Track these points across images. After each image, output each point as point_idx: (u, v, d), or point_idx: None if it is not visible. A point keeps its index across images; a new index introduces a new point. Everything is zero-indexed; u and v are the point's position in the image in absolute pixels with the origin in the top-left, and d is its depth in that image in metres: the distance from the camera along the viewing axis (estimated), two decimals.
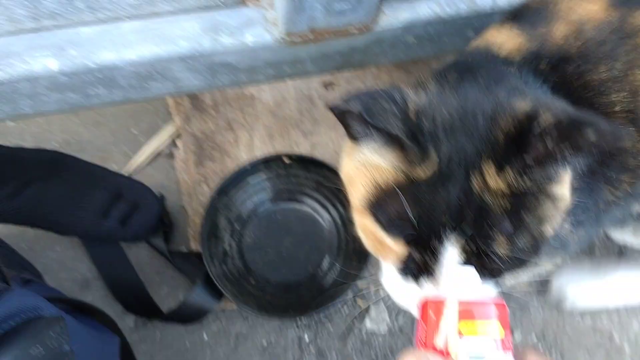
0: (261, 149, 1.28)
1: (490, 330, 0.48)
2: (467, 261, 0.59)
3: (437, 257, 0.59)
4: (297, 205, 1.24)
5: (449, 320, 0.49)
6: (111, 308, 1.17)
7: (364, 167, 0.65)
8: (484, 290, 0.57)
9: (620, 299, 1.23)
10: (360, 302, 1.23)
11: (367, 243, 0.69)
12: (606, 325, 1.24)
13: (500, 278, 0.62)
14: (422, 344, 0.50)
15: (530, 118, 0.56)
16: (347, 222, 1.23)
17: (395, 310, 1.23)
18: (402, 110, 0.58)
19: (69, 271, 1.19)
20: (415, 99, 0.61)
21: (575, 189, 0.73)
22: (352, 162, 0.67)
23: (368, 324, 1.21)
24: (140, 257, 1.21)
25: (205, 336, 1.18)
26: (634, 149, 0.74)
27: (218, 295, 1.16)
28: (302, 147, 1.29)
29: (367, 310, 1.23)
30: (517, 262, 0.60)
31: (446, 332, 0.48)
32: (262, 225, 1.23)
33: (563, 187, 0.62)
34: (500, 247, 0.57)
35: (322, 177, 1.23)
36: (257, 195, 1.23)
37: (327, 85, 1.34)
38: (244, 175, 1.21)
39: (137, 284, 1.16)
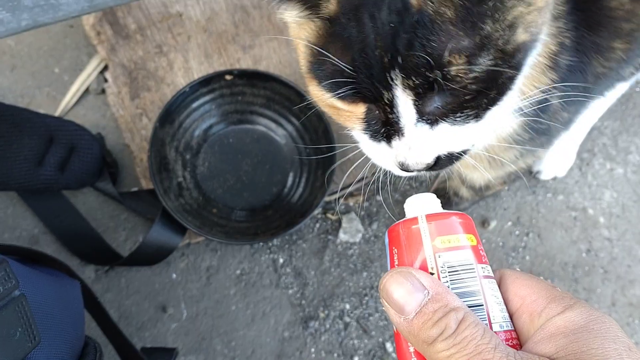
0: (199, 71, 1.18)
1: (463, 242, 0.46)
2: (423, 98, 0.52)
3: (393, 105, 0.53)
4: (249, 126, 1.16)
5: (422, 237, 0.46)
6: (67, 262, 1.08)
7: (294, 27, 0.58)
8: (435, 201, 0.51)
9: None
10: (331, 215, 1.18)
11: (327, 112, 0.62)
12: (579, 200, 1.23)
13: (481, 112, 0.55)
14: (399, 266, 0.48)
15: None
16: (305, 135, 1.15)
17: (367, 219, 1.19)
18: None
19: (13, 230, 1.09)
20: None
21: (558, 66, 0.67)
22: (290, 25, 0.59)
23: (342, 236, 1.16)
24: (89, 204, 1.12)
25: (174, 275, 1.11)
26: (628, 14, 0.68)
27: (180, 230, 1.08)
28: (244, 63, 1.19)
29: (339, 222, 1.18)
30: (490, 83, 0.52)
31: (421, 250, 0.46)
32: (215, 152, 1.15)
33: None
34: (458, 68, 0.49)
35: (270, 91, 1.14)
36: (203, 120, 1.14)
37: None
38: (185, 99, 1.11)
39: (90, 232, 1.08)
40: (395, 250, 0.47)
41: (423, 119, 0.54)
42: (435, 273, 0.44)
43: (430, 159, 0.56)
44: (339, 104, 0.57)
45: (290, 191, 1.14)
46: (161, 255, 1.08)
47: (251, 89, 1.14)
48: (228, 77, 1.12)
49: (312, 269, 1.14)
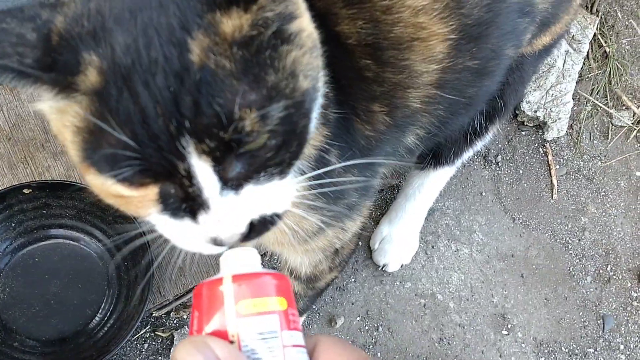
0: (1, 184, 1.06)
1: (271, 306, 0.43)
2: (223, 163, 0.49)
3: (191, 176, 0.48)
4: (57, 241, 1.05)
5: (224, 301, 0.43)
6: None
7: (56, 117, 0.51)
8: (255, 259, 0.47)
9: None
10: (161, 333, 1.07)
11: (110, 202, 0.54)
12: (427, 285, 1.18)
13: (285, 168, 0.52)
14: (197, 332, 0.44)
15: None
16: (122, 246, 1.05)
17: None
18: (40, 34, 0.48)
19: None
20: (67, 12, 0.49)
21: (328, 121, 0.65)
22: (50, 120, 0.52)
23: None
24: None
25: None
26: (378, 78, 0.66)
27: None
28: (55, 171, 1.09)
29: (171, 339, 1.06)
30: (289, 134, 0.50)
31: (223, 314, 0.42)
32: (17, 275, 1.02)
33: (301, 20, 0.52)
34: (251, 122, 0.47)
35: (79, 201, 1.04)
36: (0, 240, 1.01)
37: None
38: None
39: None
40: (197, 313, 0.43)
41: (227, 186, 0.50)
42: (236, 341, 0.41)
43: (243, 228, 0.52)
44: (125, 190, 0.50)
45: (106, 312, 1.02)
46: None
47: (57, 201, 1.03)
48: (26, 191, 1.01)
49: None
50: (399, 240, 1.15)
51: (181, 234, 0.53)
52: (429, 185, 1.12)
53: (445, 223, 1.24)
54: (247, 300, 0.42)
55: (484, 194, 1.26)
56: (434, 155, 1.06)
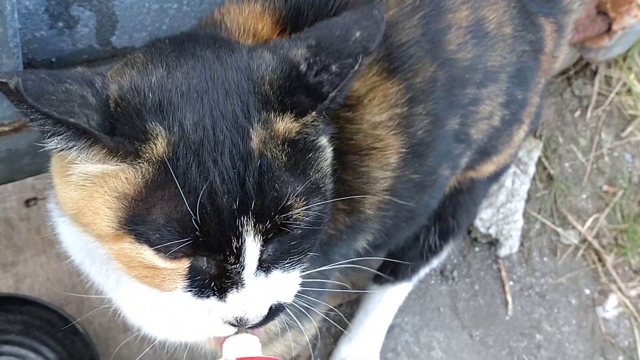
0: None
1: None
2: (269, 244, 0.53)
3: (240, 254, 0.51)
4: (3, 358, 0.98)
5: None
6: None
7: (91, 183, 0.53)
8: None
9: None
10: None
11: (133, 274, 0.55)
12: None
13: (303, 258, 0.57)
14: None
15: (292, 63, 0.55)
16: None
17: None
18: (100, 98, 0.50)
19: None
20: (121, 82, 0.53)
21: None
22: (70, 186, 0.54)
23: None
24: None
25: None
26: (340, 179, 0.71)
27: None
28: (3, 284, 1.05)
29: None
30: (314, 227, 0.56)
31: None
32: None
33: (324, 137, 0.60)
34: (299, 211, 0.52)
35: (28, 316, 1.00)
36: None
37: (28, 202, 1.13)
38: None
39: None
40: None
41: (260, 268, 0.53)
42: None
43: (266, 310, 0.55)
44: (161, 261, 0.52)
45: None
46: None
47: (5, 315, 0.99)
48: None
49: None
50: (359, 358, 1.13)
51: (197, 314, 0.55)
52: (388, 301, 1.13)
53: (405, 340, 1.23)
54: None
55: (441, 309, 1.27)
56: (392, 270, 1.08)
